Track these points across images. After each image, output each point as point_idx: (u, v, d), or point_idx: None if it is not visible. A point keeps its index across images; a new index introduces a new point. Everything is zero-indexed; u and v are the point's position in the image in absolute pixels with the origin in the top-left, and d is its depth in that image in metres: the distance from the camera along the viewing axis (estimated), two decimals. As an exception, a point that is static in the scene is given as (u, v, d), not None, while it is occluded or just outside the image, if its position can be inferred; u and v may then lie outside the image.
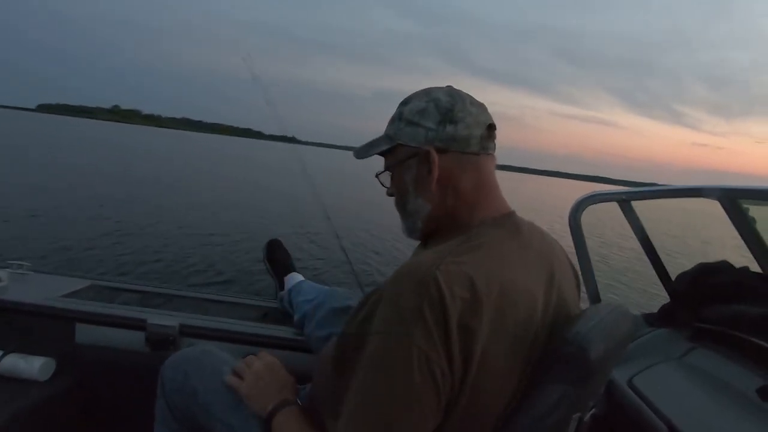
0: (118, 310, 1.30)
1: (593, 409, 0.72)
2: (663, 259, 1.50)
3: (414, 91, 0.75)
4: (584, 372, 0.59)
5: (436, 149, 0.69)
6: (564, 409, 0.59)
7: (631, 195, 1.46)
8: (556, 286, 0.68)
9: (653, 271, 1.51)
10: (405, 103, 0.74)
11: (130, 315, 1.29)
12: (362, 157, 0.78)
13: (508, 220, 0.70)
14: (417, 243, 0.82)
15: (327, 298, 1.24)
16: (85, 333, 1.27)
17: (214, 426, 0.86)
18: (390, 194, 0.79)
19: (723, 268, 1.36)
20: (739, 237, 1.27)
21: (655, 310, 1.46)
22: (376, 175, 0.78)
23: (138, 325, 1.26)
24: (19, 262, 1.46)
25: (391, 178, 0.77)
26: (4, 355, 1.19)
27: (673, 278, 1.46)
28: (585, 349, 0.58)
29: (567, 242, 1.01)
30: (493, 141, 0.73)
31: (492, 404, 0.59)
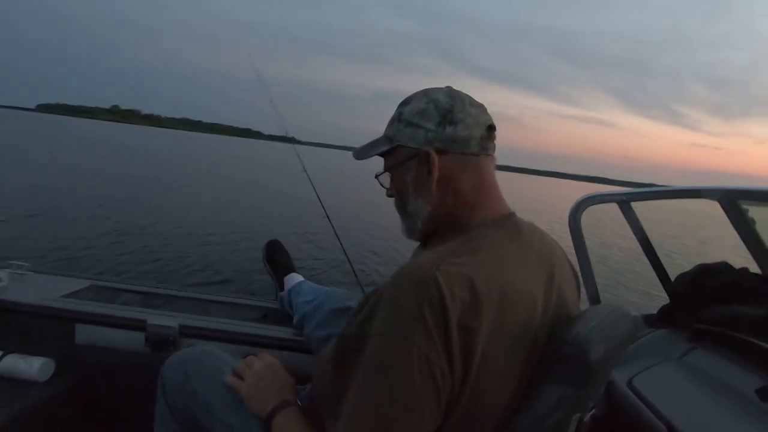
0: (118, 311, 1.30)
1: (593, 410, 0.72)
2: (662, 260, 1.50)
3: (414, 92, 0.75)
4: (584, 373, 0.59)
5: (436, 150, 0.69)
6: (564, 409, 0.59)
7: (631, 196, 1.46)
8: (555, 286, 0.68)
9: (653, 272, 1.51)
10: (404, 104, 0.74)
11: (130, 315, 1.28)
12: (362, 158, 0.78)
13: (508, 221, 0.70)
14: (416, 244, 0.82)
15: (326, 299, 1.25)
16: (84, 333, 1.27)
17: (214, 426, 0.86)
18: (390, 195, 0.79)
19: (722, 269, 1.37)
20: (739, 238, 1.27)
21: (655, 311, 1.46)
22: (376, 176, 0.78)
23: (138, 325, 1.26)
24: (19, 263, 1.46)
25: (391, 179, 0.77)
26: (3, 356, 1.19)
27: (672, 279, 1.46)
28: (585, 350, 0.58)
29: (567, 243, 1.01)
30: (493, 142, 0.73)
31: (492, 405, 0.59)
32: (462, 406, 0.56)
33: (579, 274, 0.83)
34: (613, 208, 1.49)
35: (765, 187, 1.13)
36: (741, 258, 1.36)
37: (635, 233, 1.50)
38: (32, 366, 1.18)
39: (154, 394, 0.95)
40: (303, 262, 5.85)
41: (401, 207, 0.77)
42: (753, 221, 1.25)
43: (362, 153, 0.78)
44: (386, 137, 0.75)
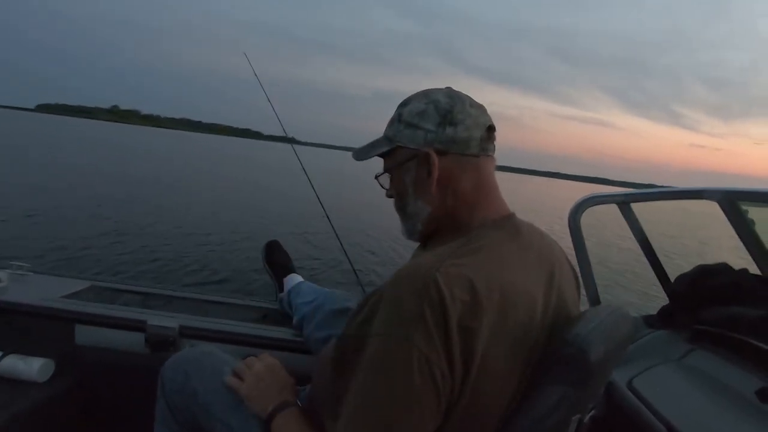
0: (118, 312, 1.30)
1: (593, 411, 0.72)
2: (662, 261, 1.50)
3: (414, 92, 0.75)
4: (584, 373, 0.59)
5: (436, 151, 0.69)
6: (564, 410, 0.59)
7: (631, 197, 1.47)
8: (555, 286, 0.68)
9: (652, 273, 1.51)
10: (404, 104, 0.74)
11: (130, 316, 1.28)
12: (361, 159, 0.78)
13: (507, 222, 0.70)
14: (416, 244, 0.82)
15: (325, 300, 1.25)
16: (84, 334, 1.27)
17: (214, 427, 0.86)
18: (389, 196, 0.79)
19: (722, 269, 1.37)
20: (738, 239, 1.27)
21: (655, 312, 1.46)
22: (376, 177, 0.78)
23: (138, 326, 1.26)
24: (19, 263, 1.46)
25: (391, 180, 0.77)
26: (3, 356, 1.19)
27: (672, 280, 1.47)
28: (585, 350, 0.58)
29: (566, 243, 1.01)
30: (493, 142, 0.73)
31: (492, 406, 0.59)
32: (462, 407, 0.56)
33: (579, 274, 0.83)
34: (613, 208, 1.49)
35: (764, 188, 1.14)
36: (740, 259, 1.36)
37: (635, 234, 1.50)
38: (32, 366, 1.18)
39: (154, 395, 0.95)
40: (302, 263, 5.85)
41: (401, 208, 0.77)
42: (752, 222, 1.26)
43: (362, 154, 0.78)
44: (386, 138, 0.75)
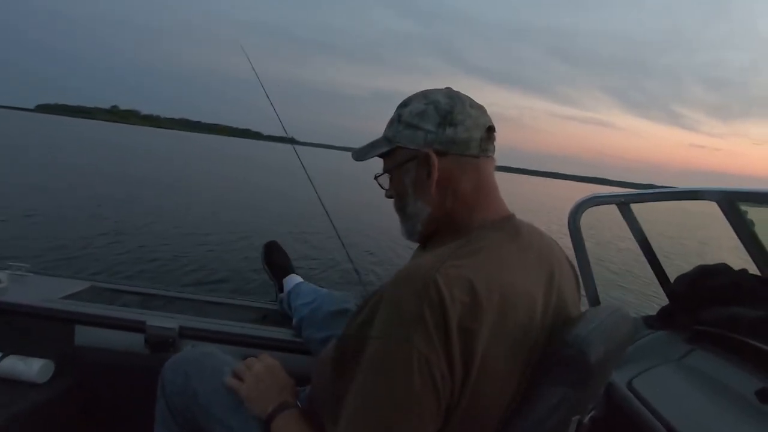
0: (118, 312, 1.30)
1: (592, 412, 0.72)
2: (662, 262, 1.50)
3: (414, 92, 0.75)
4: (584, 374, 0.59)
5: (436, 152, 0.69)
6: (563, 411, 0.59)
7: (630, 198, 1.47)
8: (555, 286, 0.68)
9: (652, 274, 1.51)
10: (404, 105, 0.74)
11: (129, 317, 1.28)
12: (361, 160, 0.78)
13: (507, 223, 0.70)
14: (416, 245, 0.82)
15: (324, 301, 1.25)
16: (84, 335, 1.27)
17: (214, 428, 0.86)
18: (389, 196, 0.79)
19: (721, 270, 1.37)
20: (738, 239, 1.27)
21: (654, 313, 1.46)
22: (375, 178, 0.78)
23: (137, 327, 1.26)
24: (19, 264, 1.46)
25: (390, 181, 0.77)
26: (2, 357, 1.18)
27: (671, 280, 1.47)
28: (585, 351, 0.58)
29: (565, 244, 1.01)
30: (493, 143, 0.73)
31: (492, 407, 0.59)
32: (462, 408, 0.56)
33: (579, 273, 0.83)
34: (613, 209, 1.49)
35: (764, 188, 1.14)
36: (740, 259, 1.36)
37: (634, 235, 1.50)
38: (32, 367, 1.18)
39: (153, 396, 0.95)
40: (301, 262, 5.86)
41: (401, 208, 0.76)
42: (752, 223, 1.26)
43: (361, 154, 0.78)
44: (386, 138, 0.75)
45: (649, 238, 1.49)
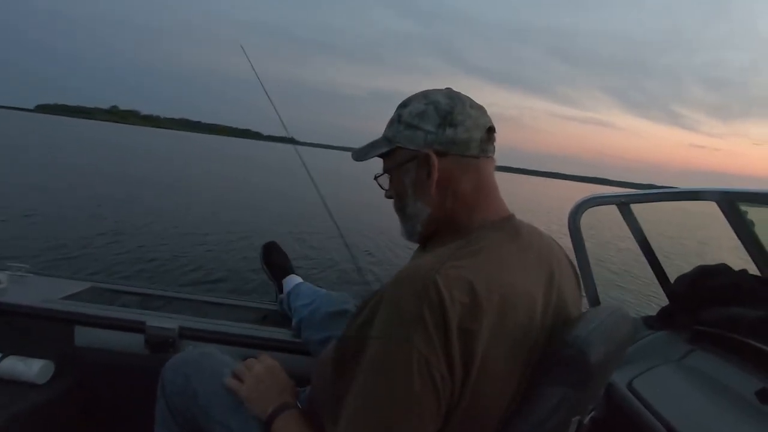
0: (118, 313, 1.30)
1: (593, 412, 0.72)
2: (662, 262, 1.50)
3: (414, 92, 0.75)
4: (584, 375, 0.59)
5: (436, 152, 0.69)
6: (564, 412, 0.59)
7: (630, 198, 1.47)
8: (555, 286, 0.68)
9: (652, 274, 1.51)
10: (404, 105, 0.74)
11: (129, 317, 1.28)
12: (361, 160, 0.78)
13: (507, 224, 0.70)
14: (415, 245, 0.82)
15: (323, 302, 1.25)
16: (84, 335, 1.27)
17: (214, 428, 0.86)
18: (389, 197, 0.78)
19: (722, 270, 1.37)
20: (738, 239, 1.27)
21: (654, 313, 1.46)
22: (375, 178, 0.78)
23: (137, 327, 1.26)
24: (19, 264, 1.46)
25: (390, 181, 0.76)
26: (2, 358, 1.19)
27: (672, 281, 1.47)
28: (585, 352, 0.58)
29: (565, 244, 1.01)
30: (493, 144, 0.73)
31: (492, 407, 0.59)
32: (462, 409, 0.56)
33: (578, 274, 0.83)
34: (612, 209, 1.49)
35: (764, 189, 1.14)
36: (740, 259, 1.36)
37: (634, 235, 1.50)
38: (32, 368, 1.18)
39: (153, 396, 0.95)
40: (301, 262, 5.86)
41: (400, 209, 0.76)
42: (752, 223, 1.26)
43: (361, 154, 0.78)
44: (385, 139, 0.75)
45: (649, 239, 1.49)
